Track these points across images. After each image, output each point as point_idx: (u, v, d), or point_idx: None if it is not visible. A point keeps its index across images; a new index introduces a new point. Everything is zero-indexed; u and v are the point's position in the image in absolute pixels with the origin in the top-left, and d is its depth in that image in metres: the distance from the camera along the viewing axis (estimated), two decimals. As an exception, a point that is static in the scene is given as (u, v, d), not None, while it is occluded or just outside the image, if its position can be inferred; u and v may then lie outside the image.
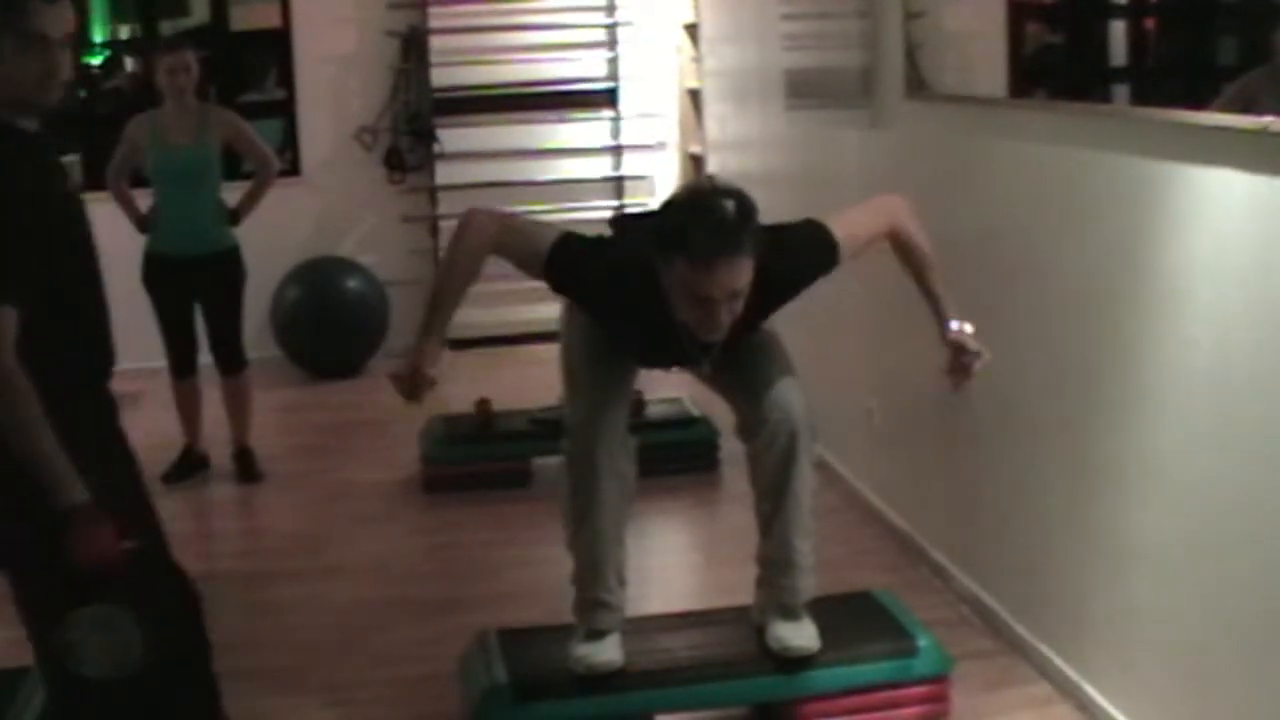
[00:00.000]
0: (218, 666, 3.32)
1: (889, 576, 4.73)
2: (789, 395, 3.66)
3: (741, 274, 3.24)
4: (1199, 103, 3.73)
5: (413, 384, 3.53)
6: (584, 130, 8.75)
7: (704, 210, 3.27)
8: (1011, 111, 4.25)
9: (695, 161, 8.54)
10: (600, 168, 8.82)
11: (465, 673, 3.89)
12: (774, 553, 3.77)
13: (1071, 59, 4.46)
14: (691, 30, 8.34)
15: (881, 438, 5.35)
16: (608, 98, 8.72)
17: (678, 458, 6.03)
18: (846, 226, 3.54)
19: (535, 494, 5.98)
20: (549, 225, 3.64)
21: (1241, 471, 3.19)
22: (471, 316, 8.40)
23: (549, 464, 6.07)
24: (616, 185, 8.86)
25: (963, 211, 4.41)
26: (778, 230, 3.43)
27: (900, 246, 3.65)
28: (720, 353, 3.57)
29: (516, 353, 8.43)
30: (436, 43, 8.29)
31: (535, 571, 5.11)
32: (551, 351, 7.92)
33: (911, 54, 4.81)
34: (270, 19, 8.24)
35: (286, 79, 8.34)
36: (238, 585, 5.03)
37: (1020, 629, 4.23)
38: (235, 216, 6.16)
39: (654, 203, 8.79)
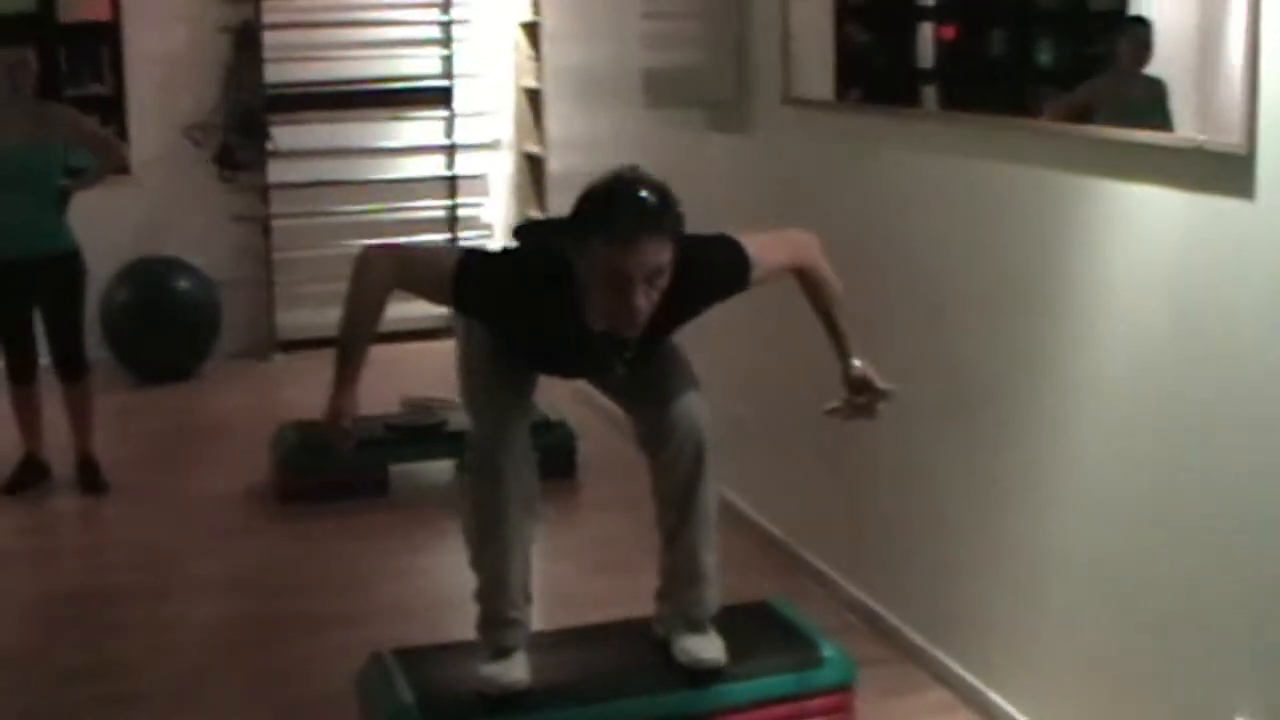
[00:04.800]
0: (92, 691, 3.19)
1: (768, 584, 4.72)
2: (696, 407, 3.64)
3: (661, 253, 3.20)
4: (1022, 109, 3.88)
5: (331, 435, 3.45)
6: (418, 129, 8.63)
7: (624, 192, 3.24)
8: (905, 121, 4.29)
9: (532, 161, 8.49)
10: (434, 166, 8.71)
11: (365, 694, 3.79)
12: (680, 566, 3.75)
13: (890, 63, 4.58)
14: (529, 28, 8.28)
15: (753, 445, 5.36)
16: (442, 96, 8.61)
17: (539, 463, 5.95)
18: (759, 251, 3.51)
19: (394, 503, 5.89)
20: (446, 249, 3.59)
21: (1157, 479, 3.26)
22: (307, 318, 8.34)
23: (406, 471, 6.03)
24: (450, 184, 8.76)
25: (843, 219, 4.43)
26: (693, 238, 3.40)
27: (809, 283, 3.65)
28: (629, 361, 3.55)
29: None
30: (270, 38, 8.10)
31: (408, 584, 5.04)
32: (395, 352, 7.89)
33: (787, 58, 4.82)
34: (99, 11, 7.95)
35: (115, 74, 8.05)
36: (97, 604, 4.87)
37: (914, 635, 4.27)
38: (64, 196, 5.92)
39: (488, 202, 8.75)
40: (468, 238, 8.71)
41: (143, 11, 7.98)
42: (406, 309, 7.95)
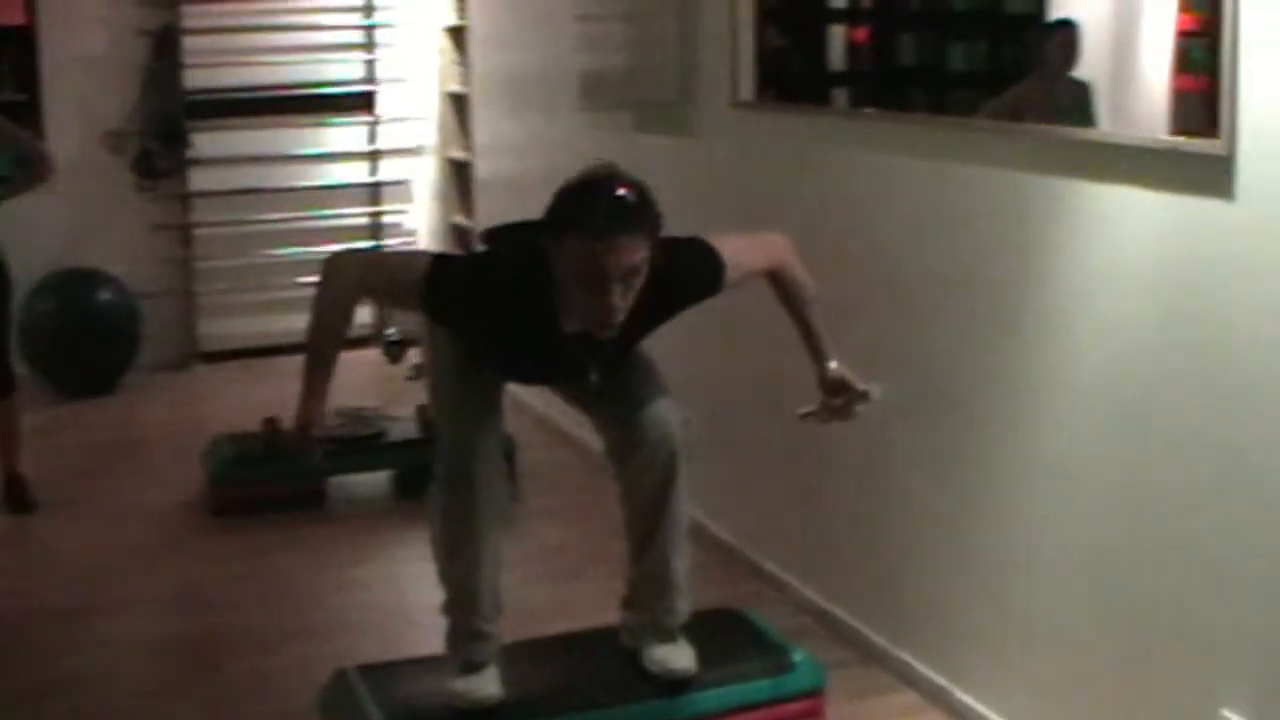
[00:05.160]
0: (39, 713, 3.08)
1: (721, 590, 4.66)
2: (669, 415, 3.59)
3: (638, 251, 3.14)
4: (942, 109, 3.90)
5: (300, 444, 3.37)
6: (341, 135, 8.51)
7: (602, 188, 3.18)
8: (862, 124, 4.26)
9: (457, 167, 8.40)
10: (358, 173, 8.59)
11: (330, 712, 3.70)
12: (651, 574, 3.69)
13: (809, 65, 4.59)
14: (454, 32, 8.20)
15: (701, 448, 5.28)
16: (365, 101, 8.50)
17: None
18: (733, 253, 3.46)
19: (331, 515, 5.80)
20: (415, 253, 3.49)
21: (1132, 480, 3.25)
22: (229, 328, 8.20)
23: (343, 484, 5.93)
24: (374, 191, 8.65)
25: (797, 222, 4.37)
26: (667, 241, 3.33)
27: (783, 285, 3.61)
28: (603, 366, 3.49)
29: (279, 365, 8.14)
30: (190, 43, 7.95)
31: (353, 598, 4.94)
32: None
33: (735, 60, 4.78)
34: (13, 15, 7.72)
35: (31, 79, 7.84)
36: (34, 624, 4.72)
37: (876, 637, 4.24)
38: None
39: (412, 209, 8.64)
40: (390, 245, 8.61)
41: (59, 15, 7.78)
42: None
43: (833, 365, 3.61)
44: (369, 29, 8.48)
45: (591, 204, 3.14)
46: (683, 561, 3.68)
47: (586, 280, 3.14)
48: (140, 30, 7.89)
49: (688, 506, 3.66)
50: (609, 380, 3.55)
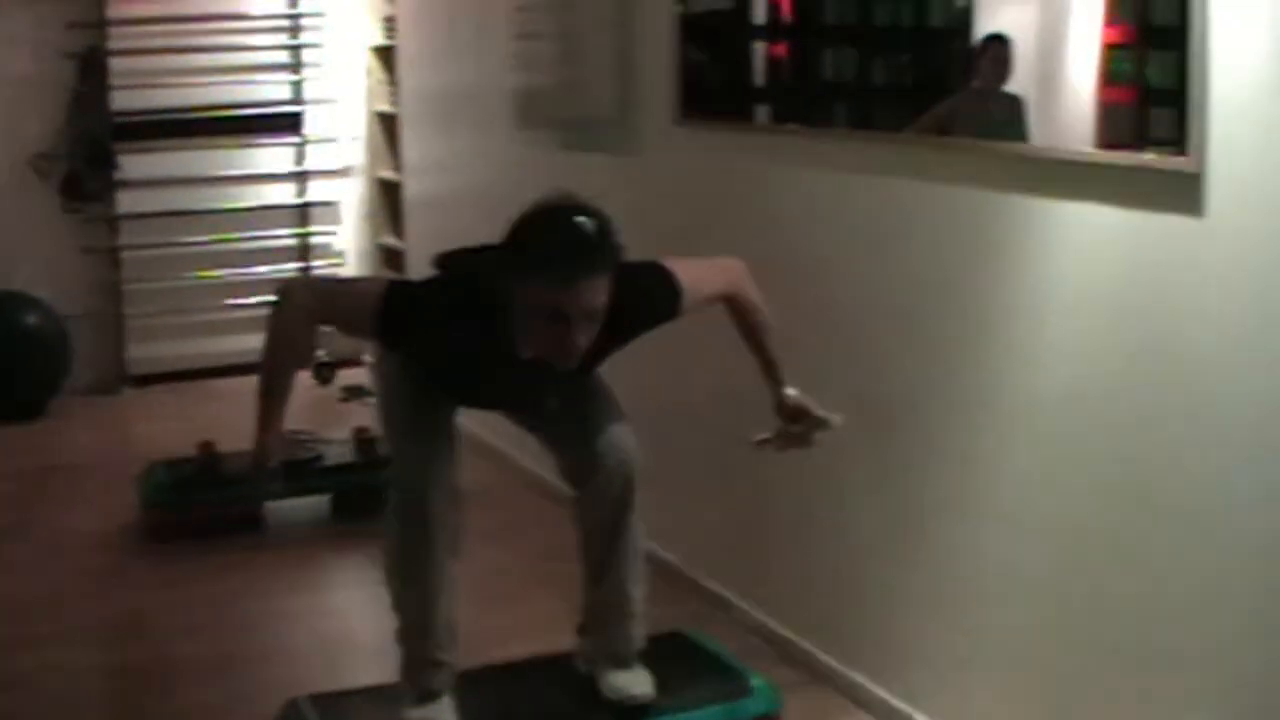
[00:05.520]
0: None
1: (665, 610, 4.60)
2: (625, 440, 3.60)
3: (601, 292, 3.15)
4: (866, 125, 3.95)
5: (257, 474, 3.40)
6: (269, 156, 8.46)
7: (562, 226, 3.17)
8: (812, 140, 4.26)
9: (386, 187, 8.37)
10: (285, 194, 8.55)
11: (284, 742, 3.68)
12: (607, 601, 3.70)
13: (730, 81, 4.63)
14: (382, 52, 8.18)
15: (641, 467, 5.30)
16: (292, 122, 8.45)
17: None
18: (690, 279, 3.47)
19: (269, 540, 5.74)
20: (368, 279, 3.48)
21: (1096, 501, 3.28)
22: (158, 351, 8.13)
23: (280, 508, 5.89)
24: (301, 212, 8.61)
25: (745, 241, 4.40)
26: (624, 266, 3.32)
27: (739, 311, 3.62)
28: (558, 392, 3.50)
29: (210, 388, 8.09)
30: (117, 64, 7.88)
31: (296, 625, 4.90)
32: (248, 385, 7.69)
33: (684, 76, 4.80)
34: (-65, 37, 7.65)
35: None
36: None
37: (826, 657, 4.26)
38: None
39: (340, 230, 8.60)
40: (319, 267, 8.58)
41: (-19, 36, 7.69)
42: (257, 341, 7.79)
43: (790, 392, 3.63)
44: (296, 49, 8.43)
45: (555, 247, 3.13)
46: (639, 588, 3.70)
47: (548, 322, 3.14)
48: (66, 53, 7.80)
49: (643, 532, 3.67)
50: (564, 405, 3.56)
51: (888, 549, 4.00)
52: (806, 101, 4.33)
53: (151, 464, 5.93)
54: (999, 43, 3.65)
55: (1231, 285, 2.88)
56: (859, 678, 4.12)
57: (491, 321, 3.26)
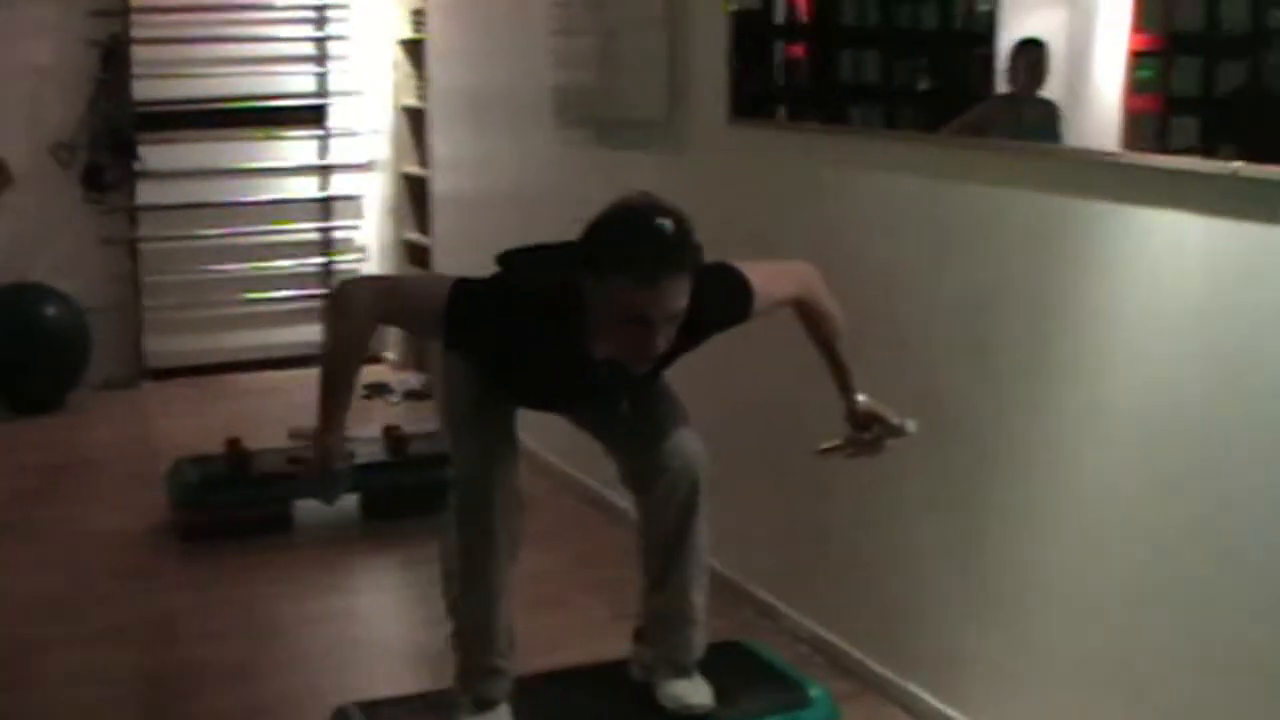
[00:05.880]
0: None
1: (714, 620, 4.56)
2: (691, 444, 3.48)
3: (683, 294, 3.03)
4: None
5: (324, 479, 3.23)
6: (292, 149, 8.33)
7: (643, 226, 3.03)
8: (872, 141, 4.16)
9: (411, 182, 8.25)
10: (308, 188, 8.42)
11: (333, 752, 3.56)
12: (670, 607, 3.57)
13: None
14: (410, 46, 8.05)
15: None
16: (317, 115, 8.32)
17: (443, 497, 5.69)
18: (762, 281, 3.35)
19: (298, 540, 5.61)
20: (434, 277, 3.33)
21: (1163, 518, 3.18)
22: (177, 345, 8.01)
23: (310, 507, 5.75)
24: (325, 206, 8.48)
25: (801, 245, 4.29)
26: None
27: (810, 315, 3.50)
28: (629, 395, 3.37)
29: (230, 382, 7.98)
30: (139, 53, 7.74)
31: (330, 628, 4.79)
32: (268, 380, 7.64)
33: (735, 74, 4.68)
34: (-42, 24, 7.51)
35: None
36: None
37: (880, 667, 4.15)
38: None
39: (363, 224, 8.48)
40: (343, 261, 8.46)
41: (6, 25, 7.53)
42: (277, 336, 7.66)
43: (861, 399, 3.51)
44: (321, 41, 8.30)
45: (637, 246, 3.00)
46: (702, 596, 3.57)
47: (629, 324, 3.02)
48: (89, 40, 7.67)
49: (708, 539, 3.55)
50: (630, 408, 3.44)
51: (945, 558, 3.90)
52: (833, 102, 4.29)
53: (178, 461, 5.79)
54: (1034, 47, 3.59)
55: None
56: (913, 687, 4.02)
57: (564, 322, 3.13)
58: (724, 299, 3.26)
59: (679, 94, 5.04)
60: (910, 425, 3.47)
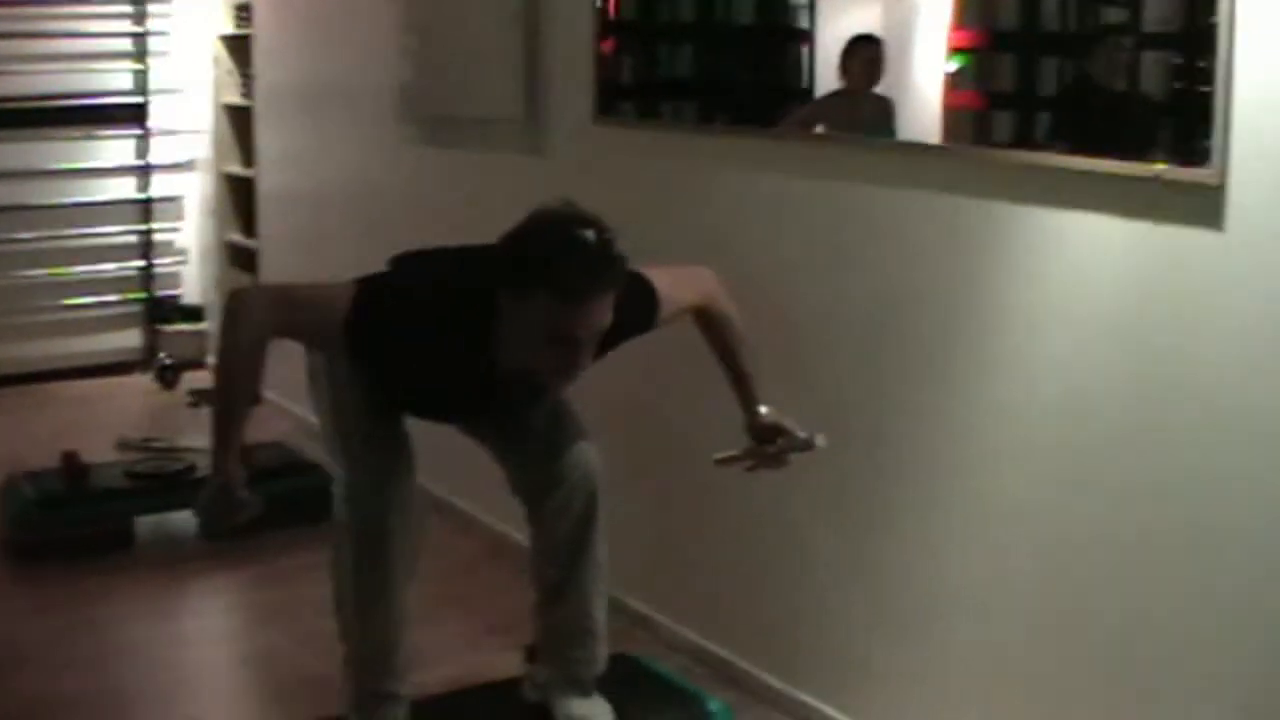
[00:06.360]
0: None
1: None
2: (588, 453, 3.41)
3: (609, 310, 2.95)
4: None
5: (226, 508, 3.05)
6: (109, 148, 8.02)
7: (569, 240, 2.92)
8: (749, 141, 4.09)
9: (234, 182, 8.01)
10: (127, 189, 8.11)
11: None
12: (568, 622, 3.49)
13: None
14: (232, 42, 7.81)
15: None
16: (136, 113, 8.02)
17: (292, 509, 5.47)
18: (666, 288, 3.28)
19: (140, 558, 5.34)
20: (329, 285, 3.16)
21: (1075, 525, 3.18)
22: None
23: (150, 523, 5.51)
24: (145, 208, 8.17)
25: (676, 248, 4.21)
26: None
27: (710, 322, 3.43)
28: (521, 408, 3.27)
29: (49, 392, 7.65)
30: (-53, 51, 7.39)
31: (189, 653, 4.60)
32: (91, 388, 7.32)
33: (601, 70, 4.58)
34: None
35: None
36: None
37: (768, 677, 4.09)
38: None
39: (184, 226, 8.20)
40: (163, 263, 8.18)
41: None
42: (99, 342, 7.30)
43: (764, 410, 3.44)
44: (140, 37, 8.00)
45: (565, 261, 2.90)
46: (602, 608, 3.51)
47: (553, 339, 2.92)
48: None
49: (606, 550, 3.46)
50: (523, 418, 3.34)
51: (843, 567, 3.85)
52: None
53: (11, 477, 5.52)
54: (871, 43, 3.58)
55: (1250, 299, 2.79)
56: (806, 697, 3.97)
57: (474, 333, 3.02)
58: (631, 308, 3.17)
59: (537, 90, 4.93)
60: (820, 439, 3.40)
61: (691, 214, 4.27)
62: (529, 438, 3.39)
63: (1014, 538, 3.35)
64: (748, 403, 3.45)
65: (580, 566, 3.43)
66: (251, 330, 3.02)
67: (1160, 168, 2.86)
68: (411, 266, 3.24)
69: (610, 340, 3.15)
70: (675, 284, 3.31)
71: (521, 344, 2.98)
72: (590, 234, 2.93)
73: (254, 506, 3.12)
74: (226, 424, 3.04)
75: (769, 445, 3.45)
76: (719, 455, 3.52)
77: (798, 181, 3.88)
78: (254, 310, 3.04)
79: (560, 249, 2.92)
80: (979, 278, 3.36)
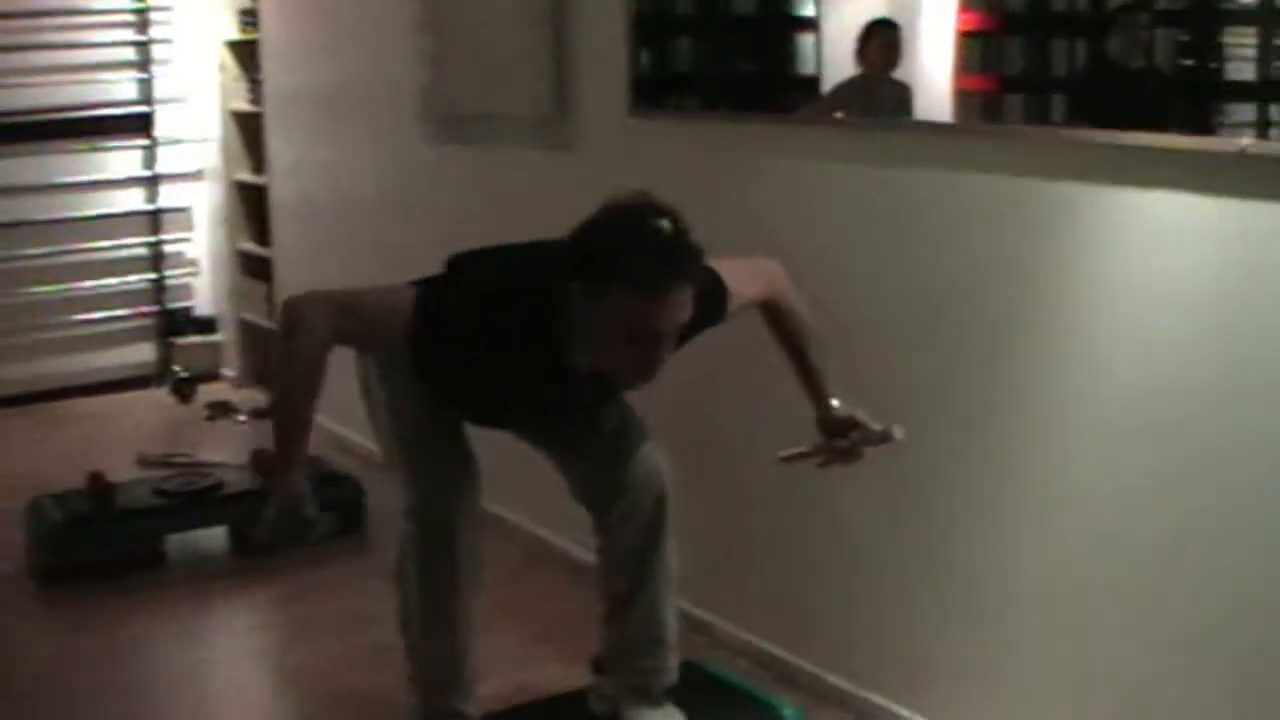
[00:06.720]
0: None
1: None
2: (655, 458, 3.28)
3: (689, 303, 2.82)
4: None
5: (295, 528, 2.91)
6: (116, 160, 7.86)
7: (646, 232, 2.79)
8: (792, 130, 3.97)
9: (244, 190, 7.87)
10: (134, 200, 7.97)
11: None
12: (639, 631, 3.37)
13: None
14: (238, 47, 7.67)
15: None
16: (142, 123, 7.87)
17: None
18: (735, 280, 3.14)
19: (172, 578, 5.22)
20: (388, 288, 3.03)
21: (1159, 514, 3.06)
22: (2, 372, 7.51)
23: (180, 542, 5.39)
24: (153, 219, 8.03)
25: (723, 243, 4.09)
26: None
27: (778, 316, 3.30)
28: (587, 412, 3.14)
29: (60, 410, 7.51)
30: (-51, 63, 7.24)
31: (230, 674, 4.52)
32: (106, 405, 7.19)
33: (636, 63, 4.46)
34: None
35: None
36: None
37: (834, 679, 3.96)
38: None
39: (194, 236, 8.07)
40: (174, 275, 8.04)
41: None
42: (112, 357, 7.18)
43: (836, 404, 3.31)
44: (144, 46, 7.85)
45: (642, 254, 2.76)
46: (673, 615, 3.38)
47: (631, 336, 2.79)
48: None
49: (675, 555, 3.33)
50: (587, 423, 3.22)
51: (907, 564, 3.73)
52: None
53: (35, 499, 5.37)
54: (888, 29, 3.55)
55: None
56: (875, 698, 3.85)
57: (541, 336, 2.88)
58: (703, 301, 3.02)
59: (567, 85, 4.79)
60: (898, 431, 3.27)
61: (735, 205, 4.13)
62: (593, 441, 3.26)
63: (1080, 528, 3.23)
64: (819, 398, 3.32)
65: (650, 573, 3.31)
66: (312, 340, 2.88)
67: (1245, 142, 2.74)
68: (471, 266, 3.10)
69: (685, 334, 3.00)
70: (742, 276, 3.18)
71: (596, 343, 2.84)
72: (666, 224, 2.79)
73: (323, 524, 2.98)
74: (289, 439, 2.90)
75: (841, 440, 3.31)
76: (785, 453, 3.38)
77: (855, 168, 3.75)
78: (313, 319, 2.90)
79: (636, 240, 2.78)
80: (1046, 261, 3.23)
